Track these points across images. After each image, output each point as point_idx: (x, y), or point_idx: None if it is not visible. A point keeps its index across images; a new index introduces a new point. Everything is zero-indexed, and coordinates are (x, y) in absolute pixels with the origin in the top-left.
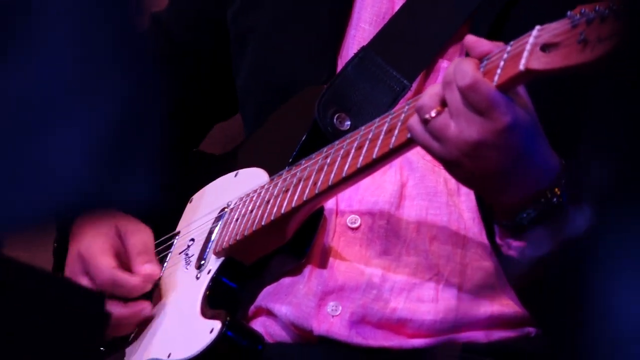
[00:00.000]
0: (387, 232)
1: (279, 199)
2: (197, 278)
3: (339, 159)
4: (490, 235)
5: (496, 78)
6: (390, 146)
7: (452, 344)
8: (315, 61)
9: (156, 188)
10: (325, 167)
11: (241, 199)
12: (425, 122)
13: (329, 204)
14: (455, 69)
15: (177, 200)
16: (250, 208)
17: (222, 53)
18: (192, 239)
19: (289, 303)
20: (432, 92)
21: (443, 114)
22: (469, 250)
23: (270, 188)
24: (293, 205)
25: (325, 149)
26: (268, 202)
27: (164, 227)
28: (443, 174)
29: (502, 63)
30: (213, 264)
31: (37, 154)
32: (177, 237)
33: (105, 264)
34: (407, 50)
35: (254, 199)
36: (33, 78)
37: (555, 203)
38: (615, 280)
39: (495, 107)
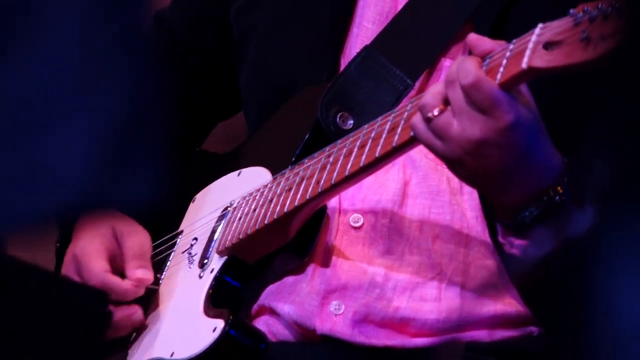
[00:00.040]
0: (389, 231)
1: (282, 198)
2: (200, 277)
3: (341, 157)
4: (493, 233)
5: (499, 76)
6: (393, 144)
7: (455, 343)
8: (318, 60)
9: (158, 187)
10: (328, 165)
11: (244, 198)
12: (427, 120)
13: (332, 202)
14: (458, 68)
15: (180, 200)
16: (253, 207)
17: (224, 51)
18: (195, 238)
19: (292, 302)
20: (434, 90)
21: (446, 112)
22: (472, 249)
23: (273, 187)
24: (296, 204)
25: (328, 148)
26: (271, 201)
27: (167, 227)
28: (446, 172)
29: (504, 61)
30: (216, 263)
31: (37, 153)
32: (180, 236)
33: (97, 267)
34: (410, 49)
35: (257, 197)
36: (33, 78)
37: (557, 201)
38: (617, 279)
39: (498, 106)
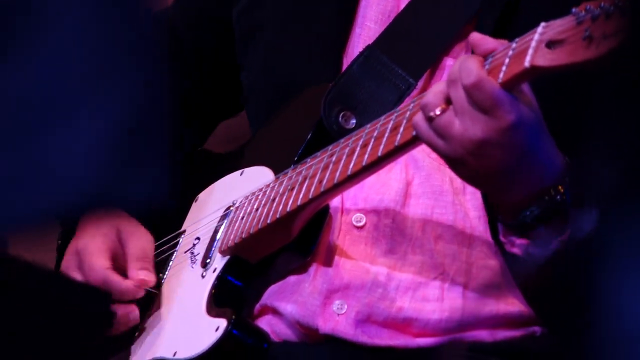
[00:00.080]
0: (392, 230)
1: (285, 197)
2: (203, 276)
3: (344, 157)
4: (494, 232)
5: (501, 75)
6: (396, 144)
7: (458, 343)
8: (321, 60)
9: (160, 187)
10: (331, 165)
11: (247, 197)
12: (429, 119)
13: (334, 202)
14: (460, 67)
15: (182, 199)
16: (256, 206)
17: (224, 51)
18: (198, 238)
19: (294, 301)
20: (436, 89)
21: (448, 111)
22: (475, 249)
23: (276, 186)
24: (299, 203)
25: (330, 147)
26: (274, 200)
27: (170, 226)
28: (449, 172)
29: (507, 60)
30: (219, 262)
31: (37, 153)
32: (182, 236)
33: (99, 263)
34: (412, 48)
35: (260, 197)
36: (33, 78)
37: (558, 200)
38: (621, 280)
39: (500, 106)
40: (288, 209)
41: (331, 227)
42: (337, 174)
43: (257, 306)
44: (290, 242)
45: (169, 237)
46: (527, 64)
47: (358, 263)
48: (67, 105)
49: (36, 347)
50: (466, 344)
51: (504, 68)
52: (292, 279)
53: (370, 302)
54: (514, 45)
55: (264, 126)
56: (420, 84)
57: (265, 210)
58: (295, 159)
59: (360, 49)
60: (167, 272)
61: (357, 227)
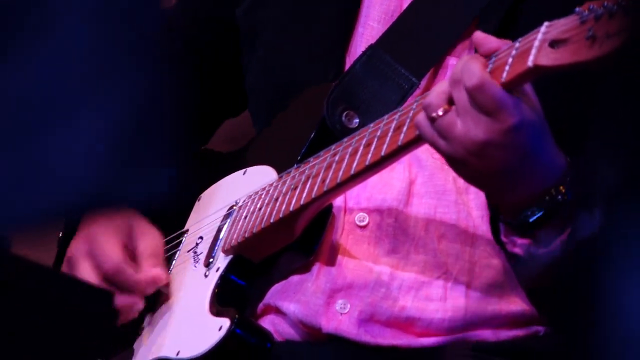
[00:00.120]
0: (395, 230)
1: (288, 197)
2: (206, 276)
3: (347, 156)
4: (495, 232)
5: (504, 75)
6: (399, 143)
7: (461, 343)
8: (323, 59)
9: (164, 187)
10: (334, 164)
11: (250, 196)
12: (432, 120)
13: (337, 201)
14: (463, 68)
15: (185, 198)
16: (258, 206)
17: (226, 51)
18: (201, 237)
19: (297, 301)
20: (439, 90)
21: (450, 112)
22: (478, 249)
23: (279, 186)
24: (302, 202)
25: (333, 147)
26: (277, 199)
27: (173, 225)
28: (452, 172)
29: (510, 60)
30: (222, 261)
31: (38, 153)
32: (185, 235)
33: (114, 253)
34: (415, 47)
35: (263, 196)
36: (33, 78)
37: (560, 200)
38: (626, 279)
39: (502, 108)
40: (291, 209)
41: (334, 226)
42: (340, 173)
43: (260, 305)
44: (293, 242)
45: (171, 236)
46: (530, 63)
47: (361, 262)
48: (67, 105)
49: (36, 347)
50: (469, 344)
51: (507, 67)
52: (295, 278)
53: (373, 302)
54: (517, 44)
55: (267, 125)
56: (423, 83)
57: (269, 209)
58: (299, 158)
59: (364, 49)
60: (170, 272)
61: (360, 227)
